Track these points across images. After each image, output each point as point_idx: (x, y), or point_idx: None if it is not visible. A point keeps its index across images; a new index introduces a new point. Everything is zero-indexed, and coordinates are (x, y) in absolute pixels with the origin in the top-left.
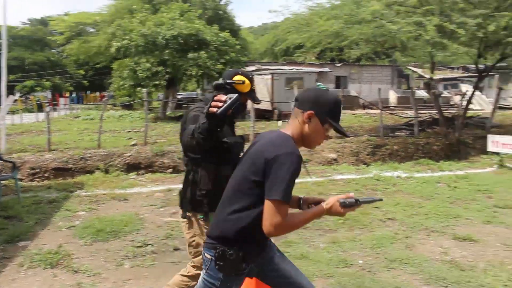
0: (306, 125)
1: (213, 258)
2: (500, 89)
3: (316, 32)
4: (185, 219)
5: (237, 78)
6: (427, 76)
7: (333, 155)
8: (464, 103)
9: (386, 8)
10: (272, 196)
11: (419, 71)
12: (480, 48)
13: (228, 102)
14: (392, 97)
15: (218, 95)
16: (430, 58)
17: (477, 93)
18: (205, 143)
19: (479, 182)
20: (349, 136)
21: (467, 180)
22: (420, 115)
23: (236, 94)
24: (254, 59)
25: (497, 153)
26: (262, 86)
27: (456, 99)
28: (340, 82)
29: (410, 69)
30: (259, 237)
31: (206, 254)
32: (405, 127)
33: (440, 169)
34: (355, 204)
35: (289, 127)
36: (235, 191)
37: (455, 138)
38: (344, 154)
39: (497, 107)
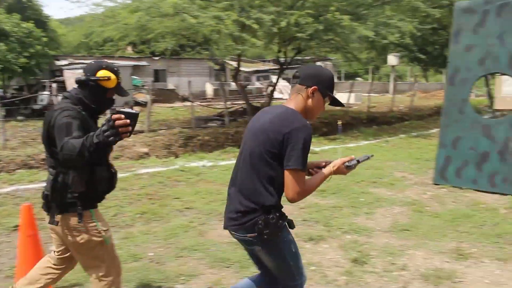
0: (310, 100)
1: (257, 232)
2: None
3: (121, 24)
4: (54, 225)
5: (102, 73)
6: (242, 68)
7: (145, 149)
8: (279, 94)
9: (188, 2)
10: (292, 166)
11: (235, 64)
12: (280, 43)
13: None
14: (209, 89)
15: (119, 117)
16: (232, 52)
17: (284, 83)
18: (94, 157)
19: None
20: (344, 106)
21: None
22: (234, 105)
23: (137, 113)
24: (68, 53)
25: None
26: (73, 81)
27: (268, 90)
28: (158, 75)
29: (227, 62)
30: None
31: (248, 235)
32: (217, 118)
33: None
34: (356, 164)
35: (292, 102)
36: (253, 166)
37: None
38: (156, 147)
39: None
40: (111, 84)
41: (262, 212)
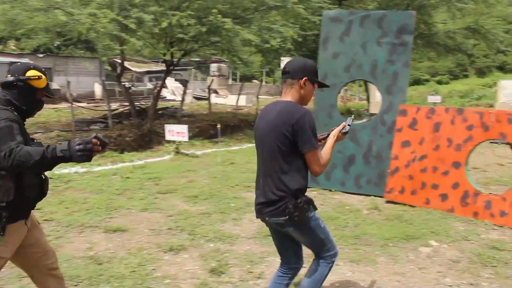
0: (302, 90)
1: (288, 215)
2: (186, 81)
3: None
4: None
5: (32, 73)
6: (133, 68)
7: None
8: (171, 96)
9: None
10: (310, 147)
11: (126, 63)
12: (165, 44)
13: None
14: (98, 89)
15: (96, 142)
16: (113, 52)
17: (176, 84)
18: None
19: (153, 171)
20: (329, 87)
21: (143, 169)
22: (123, 107)
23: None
24: None
25: (174, 141)
26: None
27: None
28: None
29: (117, 61)
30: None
31: (281, 219)
32: (101, 120)
33: (122, 160)
34: (348, 128)
35: (288, 96)
36: (275, 159)
37: (147, 128)
38: None
39: (191, 97)
40: (42, 84)
41: (291, 197)
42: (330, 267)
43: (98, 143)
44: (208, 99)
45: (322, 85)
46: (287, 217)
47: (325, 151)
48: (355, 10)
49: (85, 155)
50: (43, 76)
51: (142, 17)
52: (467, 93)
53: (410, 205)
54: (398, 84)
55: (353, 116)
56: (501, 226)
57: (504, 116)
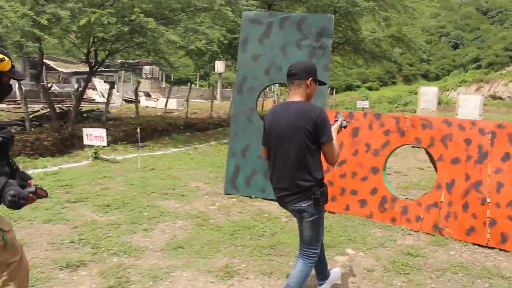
0: (308, 89)
1: (313, 201)
2: (113, 83)
3: None
4: None
5: None
6: (60, 69)
7: None
8: (100, 98)
9: None
10: (329, 140)
11: (52, 63)
12: (89, 43)
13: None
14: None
15: (32, 198)
16: (24, 49)
17: (106, 86)
18: None
19: (66, 177)
20: (326, 84)
21: (55, 176)
22: (43, 109)
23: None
24: None
25: (92, 146)
26: None
27: (90, 93)
28: None
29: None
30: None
31: (302, 205)
32: (18, 122)
33: (34, 166)
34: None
35: (296, 96)
36: (301, 153)
37: (68, 132)
38: None
39: (121, 100)
40: (7, 66)
41: (317, 185)
42: (312, 267)
43: (35, 197)
44: (135, 101)
45: (321, 83)
46: (311, 202)
47: (335, 142)
48: (275, 12)
49: (15, 206)
50: (7, 58)
51: (58, 13)
52: (395, 99)
53: (330, 212)
54: (319, 88)
55: (341, 111)
56: (417, 231)
57: (418, 121)
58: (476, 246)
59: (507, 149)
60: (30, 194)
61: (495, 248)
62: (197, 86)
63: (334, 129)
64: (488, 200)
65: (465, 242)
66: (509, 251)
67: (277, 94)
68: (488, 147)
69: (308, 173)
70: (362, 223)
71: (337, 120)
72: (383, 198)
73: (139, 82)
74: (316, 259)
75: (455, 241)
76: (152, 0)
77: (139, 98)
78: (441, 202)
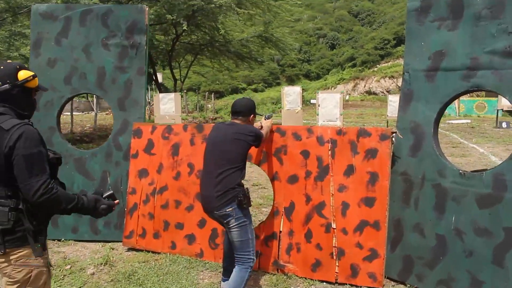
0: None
1: (237, 203)
2: None
3: None
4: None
5: (25, 74)
6: None
7: None
8: None
9: None
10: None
11: None
12: None
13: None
14: None
15: (114, 204)
16: None
17: None
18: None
19: None
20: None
21: None
22: None
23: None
24: None
25: None
26: None
27: None
28: None
29: None
30: None
31: (227, 210)
32: None
33: None
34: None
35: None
36: (226, 161)
37: None
38: None
39: None
40: (36, 83)
41: (239, 189)
42: (249, 273)
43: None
44: None
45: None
46: (235, 205)
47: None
48: (73, 4)
49: (105, 215)
50: (34, 73)
51: None
52: (278, 99)
53: (154, 252)
54: (133, 97)
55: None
56: (255, 271)
57: None
58: (324, 283)
59: (349, 160)
60: (115, 201)
61: (346, 284)
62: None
63: (267, 126)
64: (333, 226)
65: (311, 279)
66: (361, 286)
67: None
68: (328, 159)
69: (231, 176)
70: (189, 265)
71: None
72: (213, 231)
73: None
74: (252, 264)
75: (300, 279)
76: None
77: None
78: (281, 232)
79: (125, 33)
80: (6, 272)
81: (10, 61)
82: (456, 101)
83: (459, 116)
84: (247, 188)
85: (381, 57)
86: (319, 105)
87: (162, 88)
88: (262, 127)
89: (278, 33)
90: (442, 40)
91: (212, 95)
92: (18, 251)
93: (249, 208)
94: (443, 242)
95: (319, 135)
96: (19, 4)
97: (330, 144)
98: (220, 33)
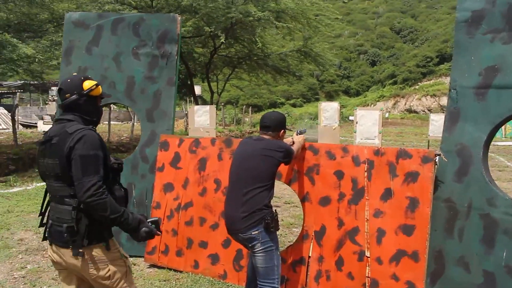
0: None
1: (264, 226)
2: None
3: None
4: (79, 257)
5: (89, 84)
6: None
7: None
8: None
9: None
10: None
11: None
12: None
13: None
14: None
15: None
16: None
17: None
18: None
19: None
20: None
21: None
22: None
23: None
24: None
25: None
26: None
27: None
28: None
29: None
30: None
31: (252, 233)
32: None
33: None
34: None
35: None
36: (253, 179)
37: None
38: None
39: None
40: (100, 91)
41: (266, 211)
42: None
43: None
44: (14, 126)
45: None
46: (262, 228)
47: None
48: (106, 13)
49: (144, 240)
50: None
51: None
52: (316, 115)
53: (176, 270)
54: (162, 108)
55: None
56: None
57: None
58: None
59: (387, 183)
60: (158, 232)
61: None
62: (114, 107)
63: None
64: (367, 254)
65: None
66: None
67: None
68: (364, 181)
69: (256, 198)
70: (211, 287)
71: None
72: (238, 252)
73: (16, 105)
74: None
75: None
76: (13, 10)
77: (37, 123)
78: (310, 257)
79: (156, 43)
80: (82, 270)
81: (75, 73)
82: None
83: (505, 137)
84: (275, 210)
85: (423, 75)
86: (357, 122)
87: (200, 101)
88: (293, 142)
89: (317, 48)
90: (495, 54)
91: (250, 109)
92: (88, 248)
93: (277, 231)
94: (492, 280)
95: (354, 154)
96: (62, 15)
97: (366, 165)
98: (258, 46)
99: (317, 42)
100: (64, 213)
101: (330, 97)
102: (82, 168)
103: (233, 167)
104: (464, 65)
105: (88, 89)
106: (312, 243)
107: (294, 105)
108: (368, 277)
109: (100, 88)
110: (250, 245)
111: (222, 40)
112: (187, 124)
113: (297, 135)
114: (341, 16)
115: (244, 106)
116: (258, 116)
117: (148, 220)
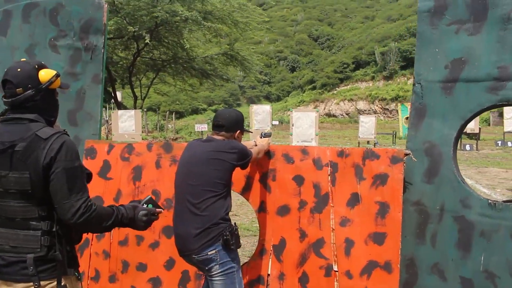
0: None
1: (223, 244)
2: None
3: None
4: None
5: (46, 74)
6: None
7: None
8: None
9: None
10: None
11: None
12: None
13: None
14: None
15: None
16: None
17: None
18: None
19: None
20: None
21: None
22: None
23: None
24: None
25: None
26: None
27: None
28: None
29: None
30: None
31: (208, 253)
32: None
33: None
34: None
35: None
36: (203, 188)
37: None
38: None
39: None
40: (59, 82)
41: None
42: None
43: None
44: None
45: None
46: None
47: None
48: None
49: (147, 226)
50: (55, 72)
51: None
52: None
53: None
54: (86, 109)
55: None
56: None
57: None
58: None
59: (354, 188)
60: (157, 210)
61: None
62: None
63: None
64: (335, 268)
65: None
66: None
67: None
68: (327, 186)
69: (210, 210)
70: None
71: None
72: (184, 274)
73: None
74: None
75: None
76: None
77: None
78: (269, 275)
79: (79, 33)
80: None
81: (24, 59)
82: None
83: None
84: (235, 223)
85: (340, 80)
86: (293, 124)
87: (122, 108)
88: (255, 145)
89: (244, 51)
90: (461, 46)
91: (173, 115)
92: (55, 283)
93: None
94: (470, 287)
95: (316, 157)
96: None
97: (329, 168)
98: (186, 47)
99: (240, 47)
100: (29, 240)
101: (252, 102)
102: (68, 184)
103: (179, 175)
104: (429, 58)
105: (48, 81)
106: (270, 259)
107: (216, 111)
108: None
109: (59, 79)
110: (206, 268)
111: (147, 41)
112: (108, 130)
113: (261, 138)
114: (267, 19)
115: (167, 112)
116: (181, 123)
117: (142, 202)
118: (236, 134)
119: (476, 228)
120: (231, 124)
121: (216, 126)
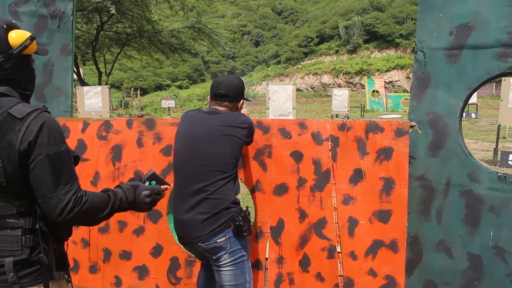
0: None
1: (234, 230)
2: None
3: None
4: None
5: (18, 37)
6: None
7: None
8: None
9: None
10: None
11: None
12: None
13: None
14: None
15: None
16: None
17: None
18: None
19: None
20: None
21: None
22: None
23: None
24: None
25: None
26: None
27: None
28: None
29: None
30: None
31: (218, 241)
32: None
33: None
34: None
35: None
36: (213, 169)
37: None
38: None
39: None
40: (34, 47)
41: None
42: None
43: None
44: None
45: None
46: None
47: None
48: None
49: (152, 207)
50: (30, 34)
51: None
52: (204, 96)
53: None
54: (55, 83)
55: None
56: None
57: None
58: None
59: (357, 163)
60: (162, 187)
61: None
62: None
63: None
64: (338, 250)
65: None
66: None
67: None
68: (328, 162)
69: (221, 193)
70: None
71: None
72: (174, 261)
73: None
74: None
75: None
76: None
77: None
78: (266, 259)
79: None
80: None
81: None
82: (384, 96)
83: (387, 111)
84: (247, 208)
85: (304, 54)
86: (269, 98)
87: (84, 85)
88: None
89: (212, 24)
90: (467, 10)
91: (138, 92)
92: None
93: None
94: (479, 264)
95: (315, 131)
96: None
97: (330, 143)
98: (153, 19)
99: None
100: (7, 241)
101: (214, 77)
102: (53, 174)
103: (180, 154)
104: (432, 23)
105: (20, 46)
106: (268, 242)
107: (180, 87)
108: (341, 276)
109: (35, 43)
110: (214, 257)
111: (113, 12)
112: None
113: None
114: None
115: (132, 88)
116: (145, 99)
117: (143, 179)
118: (239, 104)
119: (485, 203)
120: (235, 93)
121: (219, 96)
